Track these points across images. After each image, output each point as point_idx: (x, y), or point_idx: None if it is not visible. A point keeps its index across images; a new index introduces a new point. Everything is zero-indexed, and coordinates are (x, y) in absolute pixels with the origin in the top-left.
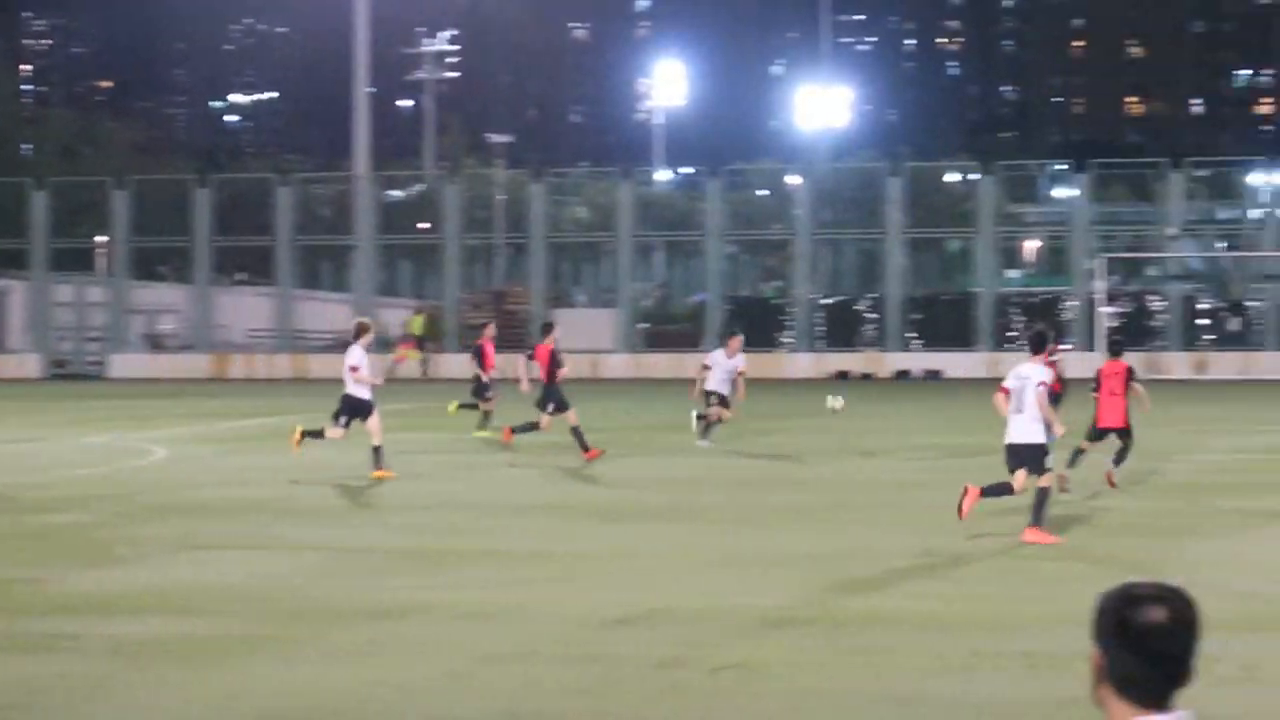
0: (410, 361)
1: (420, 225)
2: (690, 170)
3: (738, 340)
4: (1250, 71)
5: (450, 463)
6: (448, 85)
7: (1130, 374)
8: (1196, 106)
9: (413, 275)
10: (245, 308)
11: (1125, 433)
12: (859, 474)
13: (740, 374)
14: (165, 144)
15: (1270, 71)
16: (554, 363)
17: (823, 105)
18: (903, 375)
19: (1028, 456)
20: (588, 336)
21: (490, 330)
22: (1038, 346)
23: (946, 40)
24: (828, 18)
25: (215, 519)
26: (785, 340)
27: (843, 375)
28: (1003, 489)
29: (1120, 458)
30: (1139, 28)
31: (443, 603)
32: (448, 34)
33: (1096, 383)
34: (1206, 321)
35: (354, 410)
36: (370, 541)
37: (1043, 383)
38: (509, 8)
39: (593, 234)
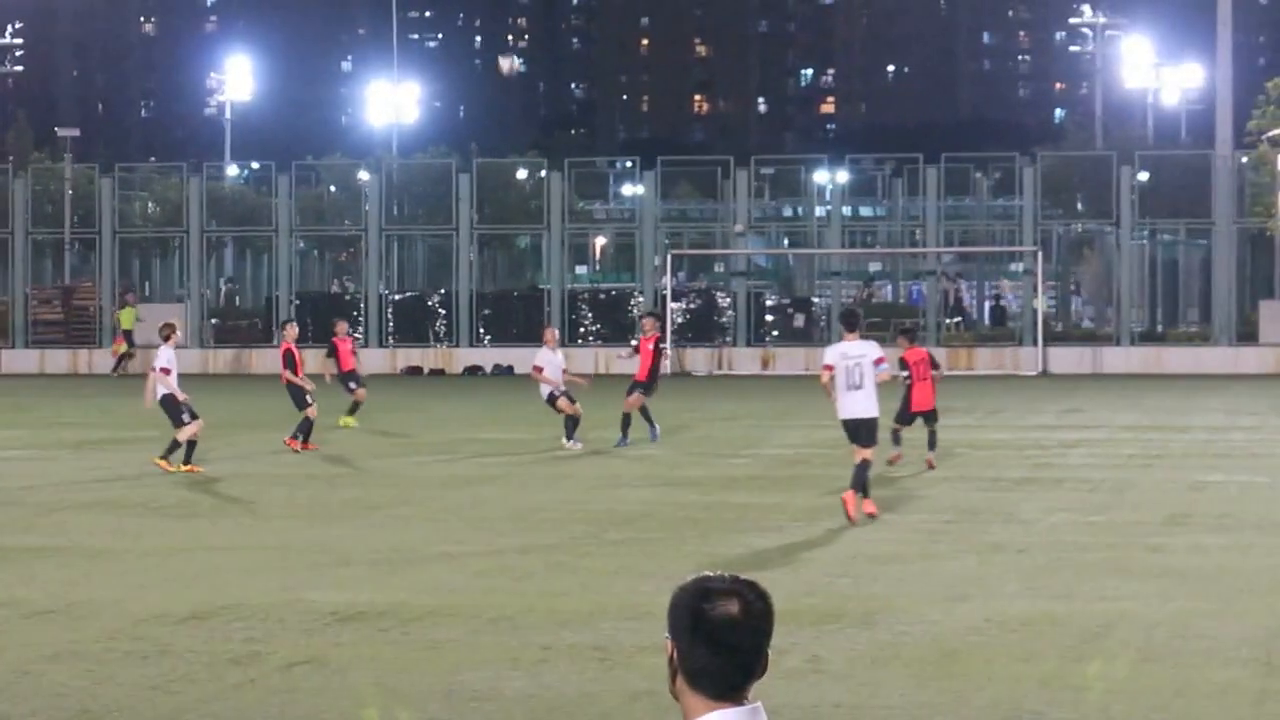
0: (117, 354)
1: None
2: (259, 166)
3: (553, 331)
4: (813, 71)
5: (19, 457)
6: (13, 79)
7: (932, 359)
8: (761, 105)
9: None
10: None
11: (934, 415)
12: (424, 470)
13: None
14: None
15: (832, 71)
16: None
17: (392, 101)
18: (474, 371)
19: (866, 430)
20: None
21: (343, 328)
22: (852, 324)
23: (514, 38)
24: (396, 14)
25: None
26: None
27: (415, 370)
28: (864, 471)
29: (933, 440)
30: (704, 27)
31: (9, 600)
32: (12, 27)
33: (906, 370)
34: (771, 318)
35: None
36: None
37: (880, 359)
38: (75, 0)
39: (162, 229)
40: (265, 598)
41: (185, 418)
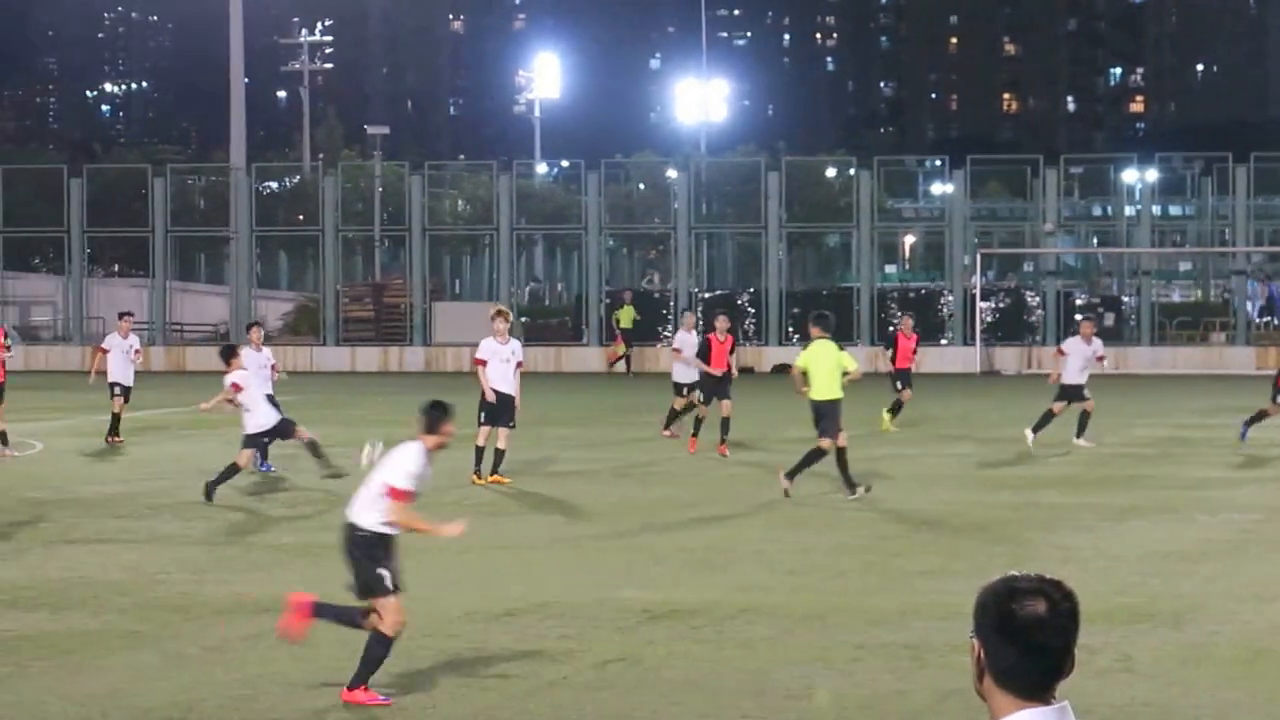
0: (617, 355)
1: (298, 217)
2: (568, 164)
3: (1090, 325)
4: (1121, 70)
5: (329, 454)
6: (323, 76)
7: None
8: (1070, 104)
9: (290, 268)
10: (120, 299)
11: None
12: (735, 467)
13: (1100, 359)
14: (37, 133)
15: (1141, 70)
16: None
17: (701, 99)
18: (782, 369)
19: None
20: (468, 329)
21: (722, 324)
22: None
23: (823, 36)
24: (705, 12)
25: (93, 513)
26: (666, 335)
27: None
28: None
29: None
30: (1013, 25)
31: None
32: (323, 24)
33: None
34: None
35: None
36: (250, 536)
37: None
38: None
39: (473, 227)
40: (578, 596)
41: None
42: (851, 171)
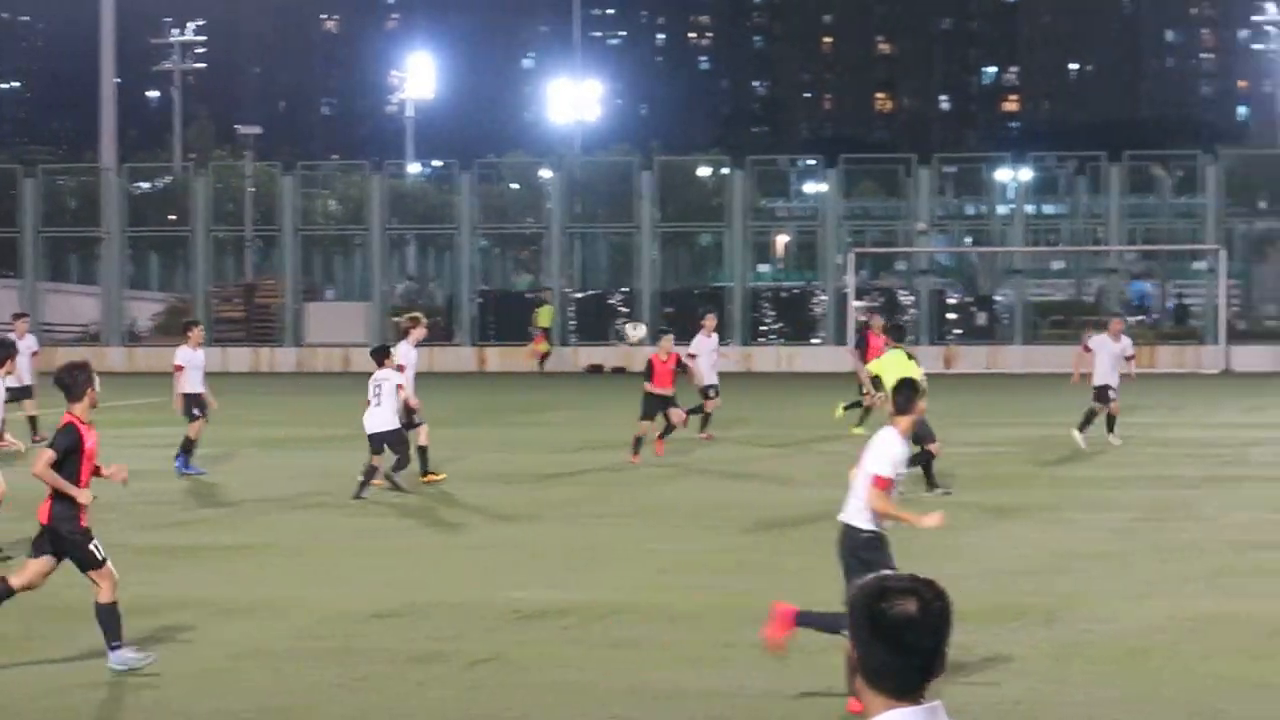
0: (539, 353)
1: (169, 217)
2: (441, 163)
3: (1119, 323)
4: (996, 69)
5: (203, 456)
6: (195, 76)
7: None
8: (944, 103)
9: (161, 268)
10: None
11: None
12: (617, 469)
13: (1130, 358)
14: None
15: (1016, 69)
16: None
17: (574, 99)
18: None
19: None
20: (340, 330)
21: (667, 343)
22: None
23: (697, 35)
24: (578, 12)
25: None
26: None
27: (596, 369)
28: None
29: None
30: (887, 25)
31: (197, 599)
32: (195, 24)
33: None
34: (954, 316)
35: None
36: (121, 538)
37: None
38: None
39: (345, 227)
40: (450, 596)
41: (417, 419)
42: (725, 171)
